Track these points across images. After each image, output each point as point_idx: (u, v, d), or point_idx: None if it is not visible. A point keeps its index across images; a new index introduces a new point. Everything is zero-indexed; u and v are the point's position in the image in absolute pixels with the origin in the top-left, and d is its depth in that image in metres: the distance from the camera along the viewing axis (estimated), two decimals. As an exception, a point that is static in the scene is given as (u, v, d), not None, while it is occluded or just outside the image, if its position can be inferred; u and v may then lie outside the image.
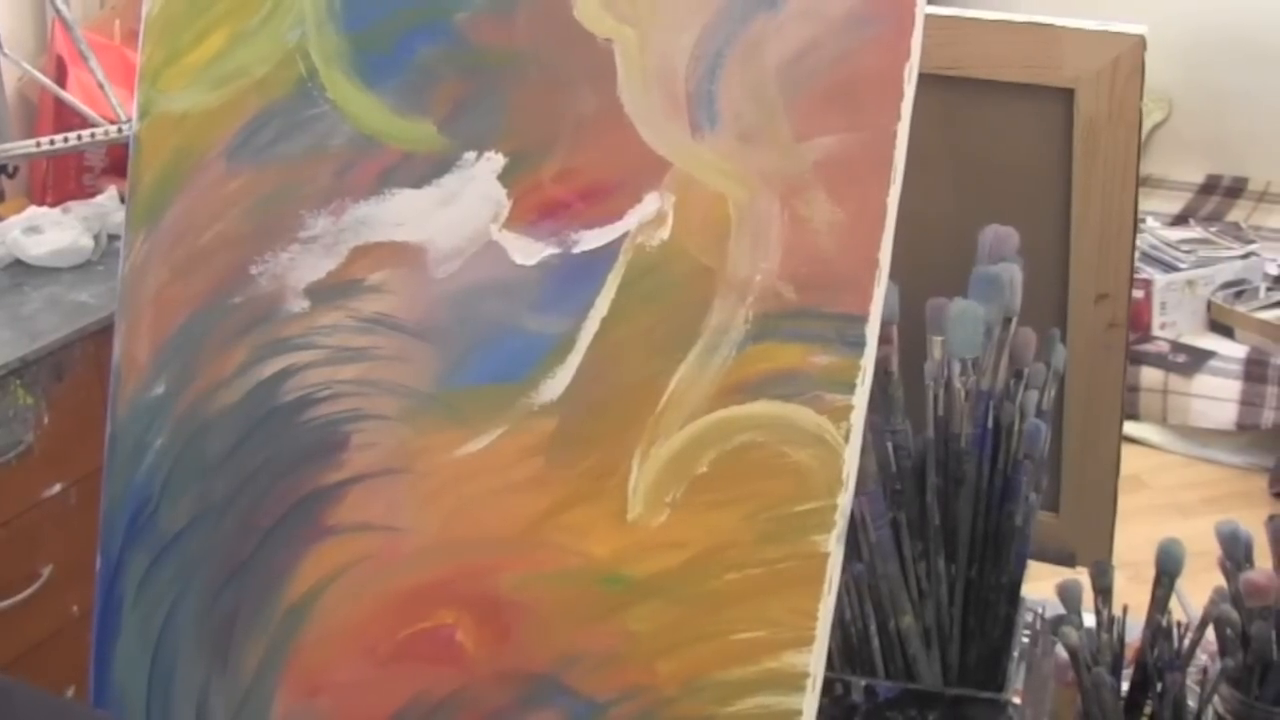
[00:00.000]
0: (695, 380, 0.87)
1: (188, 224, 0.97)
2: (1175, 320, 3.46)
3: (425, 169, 0.92)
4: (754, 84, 0.87)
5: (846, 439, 0.85)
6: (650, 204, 0.89)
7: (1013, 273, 1.05)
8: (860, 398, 0.85)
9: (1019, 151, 1.10)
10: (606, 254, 0.89)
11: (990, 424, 1.05)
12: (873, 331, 0.85)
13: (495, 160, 0.91)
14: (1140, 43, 1.03)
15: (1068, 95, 1.06)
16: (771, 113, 0.86)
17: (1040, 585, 1.14)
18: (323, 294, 0.94)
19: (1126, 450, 1.18)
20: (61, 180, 2.47)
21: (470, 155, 0.92)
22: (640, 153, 0.89)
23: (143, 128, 0.99)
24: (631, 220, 0.89)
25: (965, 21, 1.08)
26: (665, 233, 0.88)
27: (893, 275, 0.86)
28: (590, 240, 0.89)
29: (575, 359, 0.89)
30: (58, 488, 1.96)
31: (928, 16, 0.85)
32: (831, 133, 0.85)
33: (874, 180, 0.85)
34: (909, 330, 1.04)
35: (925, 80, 0.85)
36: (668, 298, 0.88)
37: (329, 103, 0.94)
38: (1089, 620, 1.06)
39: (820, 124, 0.86)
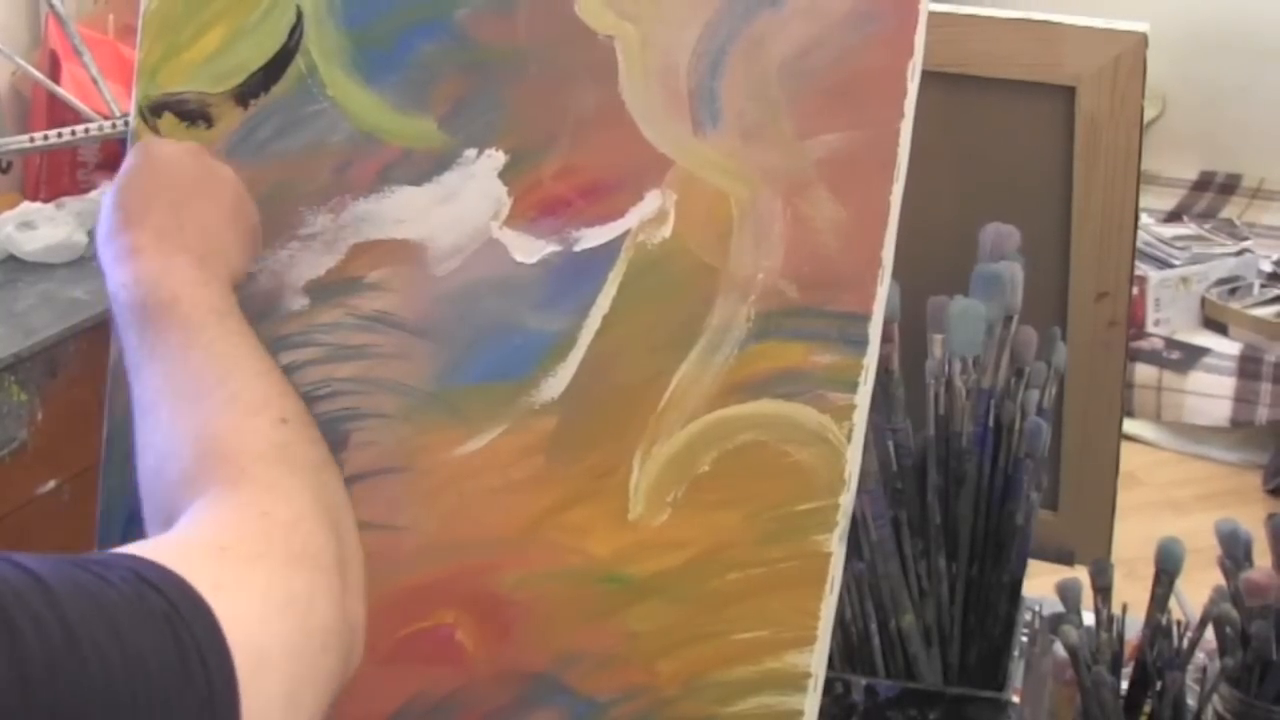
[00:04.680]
0: (697, 379, 0.87)
1: (186, 221, 0.96)
2: (1169, 317, 3.47)
3: (425, 166, 0.92)
4: (756, 81, 0.86)
5: (849, 438, 0.85)
6: (652, 202, 0.88)
7: (1014, 271, 1.05)
8: (863, 396, 0.85)
9: (1020, 149, 1.10)
10: (607, 252, 0.89)
11: (991, 422, 1.05)
12: (875, 330, 0.85)
13: (496, 157, 0.91)
14: (1142, 40, 1.03)
15: (1069, 93, 1.06)
16: (774, 110, 0.86)
17: (1038, 583, 1.14)
18: (322, 291, 0.93)
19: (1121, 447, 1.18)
20: (55, 176, 2.46)
21: (471, 152, 0.91)
22: (642, 150, 0.88)
23: (141, 124, 0.98)
24: (633, 218, 0.88)
25: (966, 19, 1.08)
26: (667, 231, 0.88)
27: (893, 273, 0.86)
28: (591, 238, 0.89)
29: (576, 357, 0.89)
30: (52, 484, 1.95)
31: (929, 14, 0.85)
32: (834, 130, 0.85)
33: (877, 178, 0.84)
34: (910, 328, 1.04)
35: (926, 78, 0.85)
36: (669, 296, 0.88)
37: (329, 100, 0.93)
38: (1088, 619, 1.06)
39: (823, 121, 0.85)
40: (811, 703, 0.86)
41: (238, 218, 0.89)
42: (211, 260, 0.84)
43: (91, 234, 2.20)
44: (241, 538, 0.66)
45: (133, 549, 0.61)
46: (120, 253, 0.83)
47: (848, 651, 1.08)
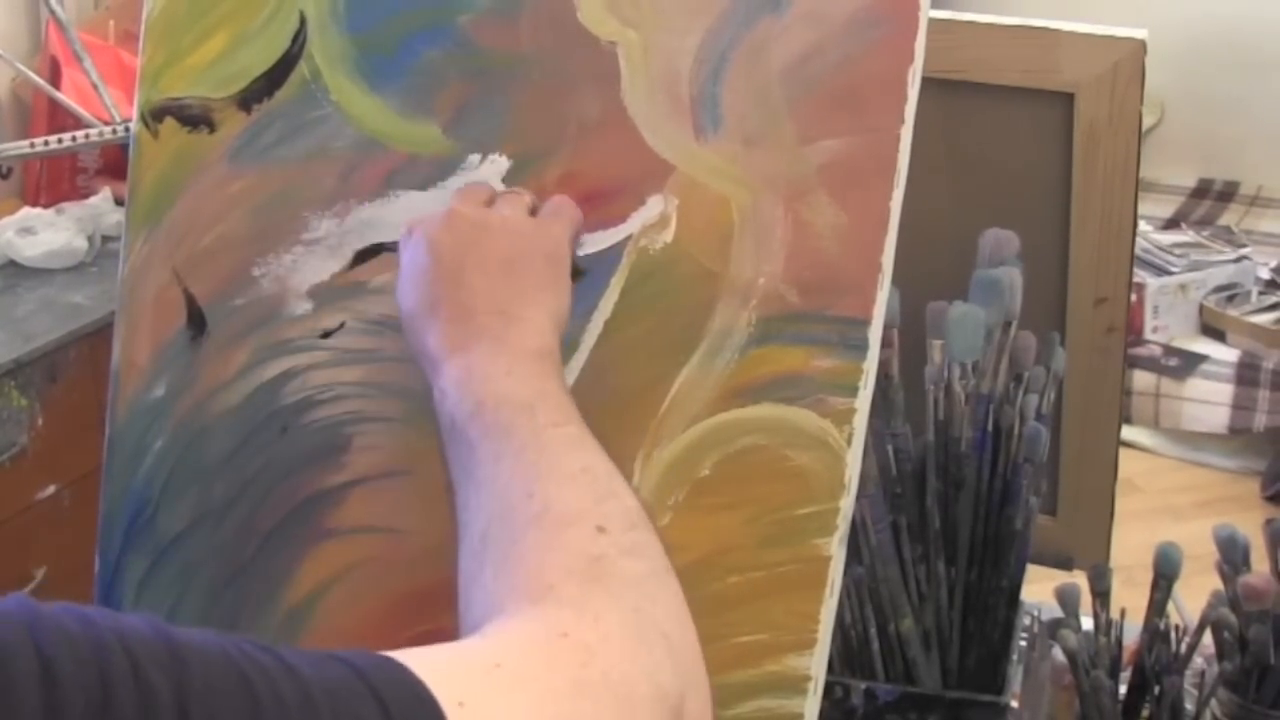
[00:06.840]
0: (698, 383, 0.87)
1: (189, 225, 0.97)
2: (1167, 324, 3.48)
3: (430, 171, 0.92)
4: (758, 87, 0.87)
5: (849, 442, 0.85)
6: (653, 207, 0.89)
7: (1013, 276, 1.05)
8: (863, 401, 0.85)
9: (1019, 155, 1.11)
10: (609, 257, 0.89)
11: (990, 427, 1.05)
12: (875, 335, 0.85)
13: (499, 163, 0.91)
14: (1140, 47, 1.04)
15: (1068, 99, 1.07)
16: (775, 116, 0.86)
17: (1036, 588, 1.14)
18: (326, 296, 0.94)
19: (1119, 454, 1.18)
20: (55, 181, 2.47)
21: (474, 158, 0.91)
22: (643, 156, 0.89)
23: (143, 129, 0.99)
24: (635, 223, 0.89)
25: (965, 25, 1.08)
26: (668, 236, 0.89)
27: (893, 278, 0.86)
28: (593, 243, 0.89)
29: (578, 362, 0.89)
30: (51, 489, 1.95)
31: (929, 20, 0.85)
32: (835, 136, 0.86)
33: (878, 184, 0.85)
34: (909, 334, 1.04)
35: (925, 84, 0.85)
36: (671, 301, 0.88)
37: (332, 105, 0.93)
38: (1086, 624, 1.07)
39: (824, 127, 0.86)
40: (811, 706, 0.86)
41: (524, 259, 0.80)
42: (514, 330, 0.77)
43: (91, 239, 2.21)
44: (523, 656, 0.57)
45: (399, 654, 0.53)
46: (426, 365, 0.79)
47: (847, 655, 1.08)
